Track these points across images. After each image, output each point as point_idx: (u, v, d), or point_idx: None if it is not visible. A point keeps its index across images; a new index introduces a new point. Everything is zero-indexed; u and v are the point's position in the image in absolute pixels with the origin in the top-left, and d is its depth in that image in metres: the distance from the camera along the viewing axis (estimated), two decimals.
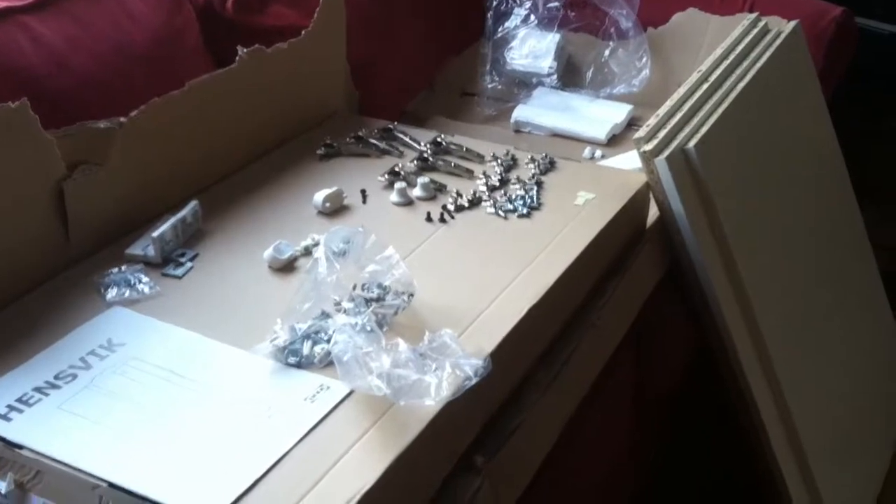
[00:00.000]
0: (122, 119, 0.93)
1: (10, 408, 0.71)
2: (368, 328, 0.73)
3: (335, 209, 1.00)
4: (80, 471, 0.65)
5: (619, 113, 1.32)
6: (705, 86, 1.13)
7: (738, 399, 1.10)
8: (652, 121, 1.06)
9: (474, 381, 0.70)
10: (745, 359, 1.07)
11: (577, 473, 1.00)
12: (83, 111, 0.92)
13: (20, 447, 0.67)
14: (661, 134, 1.04)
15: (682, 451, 1.30)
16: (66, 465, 0.65)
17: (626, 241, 1.03)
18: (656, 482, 1.26)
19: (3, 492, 0.66)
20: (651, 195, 1.05)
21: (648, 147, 1.01)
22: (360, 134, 1.14)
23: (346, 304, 0.78)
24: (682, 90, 1.12)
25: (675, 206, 1.03)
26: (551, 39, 1.41)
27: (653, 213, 1.07)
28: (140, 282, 0.86)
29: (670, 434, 1.26)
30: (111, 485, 0.64)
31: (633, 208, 1.02)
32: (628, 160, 1.19)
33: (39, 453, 0.67)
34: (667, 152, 1.01)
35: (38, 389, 0.73)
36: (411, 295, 0.81)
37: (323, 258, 0.78)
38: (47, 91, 0.99)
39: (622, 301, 0.99)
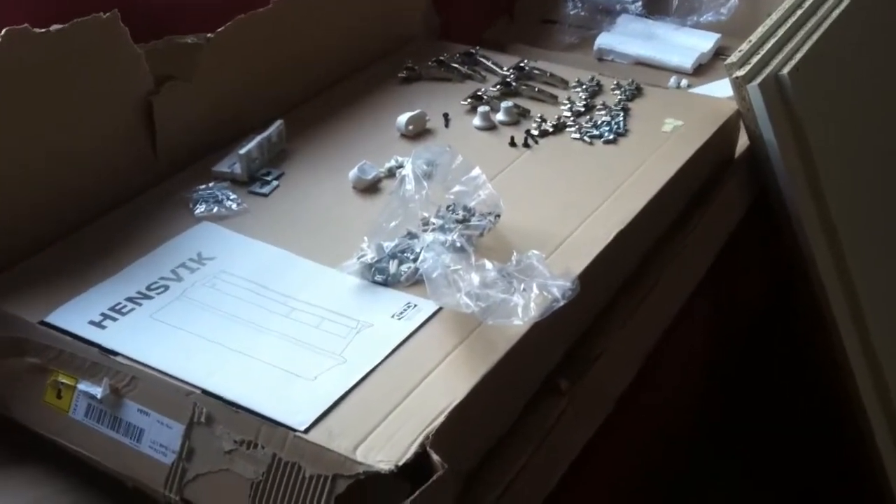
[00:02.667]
0: (209, 35, 0.93)
1: (105, 316, 0.72)
2: (458, 245, 0.73)
3: (418, 132, 0.99)
4: (174, 378, 0.66)
5: (705, 42, 1.28)
6: (799, 12, 1.09)
7: (818, 334, 1.08)
8: (744, 46, 1.03)
9: (561, 302, 0.70)
10: (831, 292, 1.05)
11: (653, 406, 1.00)
12: (171, 26, 0.92)
13: (115, 353, 0.68)
14: (754, 60, 1.01)
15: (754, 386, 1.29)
16: (160, 371, 0.67)
17: (713, 170, 1.00)
18: (729, 416, 1.25)
19: (98, 396, 0.67)
20: (741, 123, 1.02)
21: (741, 73, 0.98)
22: (441, 58, 1.13)
23: (435, 222, 0.77)
24: (775, 16, 1.08)
25: (766, 134, 1.00)
26: None
27: (742, 142, 1.04)
28: (227, 198, 0.87)
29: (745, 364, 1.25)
30: (205, 392, 0.65)
31: (723, 136, 1.00)
32: (716, 89, 1.16)
33: (134, 360, 0.68)
34: (760, 78, 0.98)
35: (130, 299, 0.74)
36: (498, 216, 0.81)
37: (411, 176, 0.77)
38: (137, 4, 0.99)
39: (708, 231, 0.97)
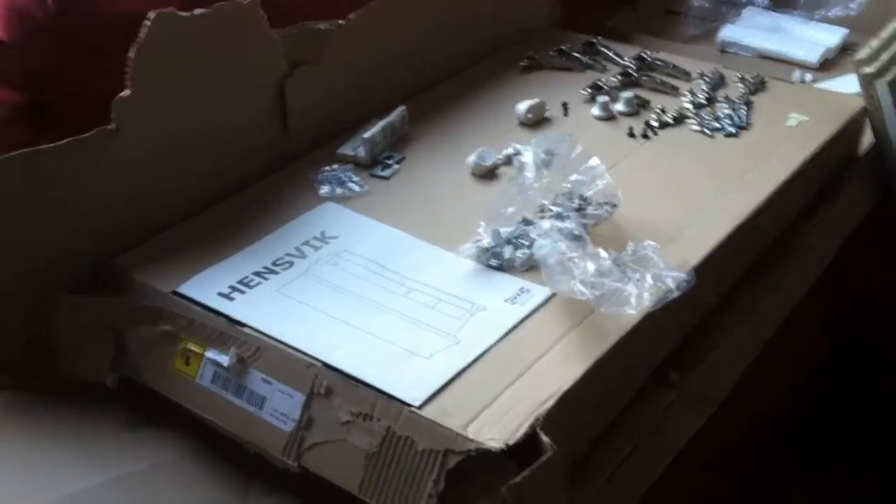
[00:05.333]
0: (341, 21, 0.96)
1: (233, 289, 0.76)
2: (575, 233, 0.74)
3: (537, 120, 1.00)
4: (297, 350, 0.69)
5: (833, 36, 1.26)
6: None
7: None
8: (874, 42, 1.00)
9: (676, 294, 0.70)
10: None
11: (761, 400, 0.99)
12: (305, 14, 0.95)
13: (242, 325, 0.72)
14: (884, 57, 0.98)
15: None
16: (284, 343, 0.70)
17: (837, 167, 0.99)
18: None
19: (225, 365, 0.71)
20: (867, 120, 1.00)
21: (870, 69, 0.96)
22: (563, 48, 1.14)
23: (552, 210, 0.79)
24: None
25: (892, 132, 0.98)
26: None
27: (867, 140, 1.02)
28: (351, 180, 0.90)
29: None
30: (326, 365, 0.68)
31: (848, 133, 0.98)
32: (842, 85, 1.13)
33: (260, 331, 0.71)
34: (889, 75, 0.96)
35: (257, 273, 0.77)
36: (614, 206, 0.81)
37: (531, 163, 0.79)
38: None
39: (830, 227, 0.95)
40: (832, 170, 0.98)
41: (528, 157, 0.79)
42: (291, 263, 0.79)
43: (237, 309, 0.73)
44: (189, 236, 0.83)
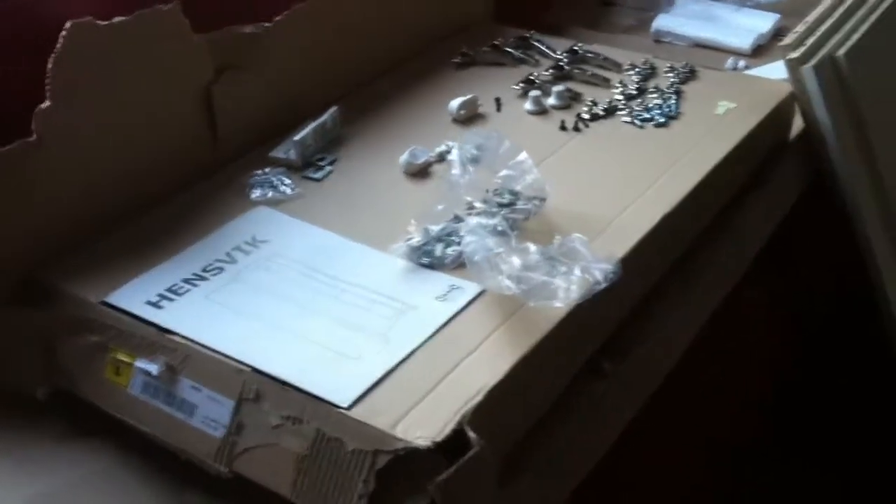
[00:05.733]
0: (267, 24, 0.96)
1: (162, 297, 0.75)
2: (499, 229, 0.74)
3: (470, 116, 1.00)
4: (226, 356, 0.69)
5: (764, 22, 1.27)
6: None
7: (874, 323, 1.07)
8: (800, 27, 1.02)
9: (603, 285, 0.70)
10: (887, 277, 1.04)
11: (706, 384, 1.00)
12: (224, 16, 0.94)
13: (171, 332, 0.71)
14: (810, 41, 1.00)
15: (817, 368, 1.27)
16: (213, 350, 0.69)
17: (767, 153, 1.00)
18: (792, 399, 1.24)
19: (154, 373, 0.70)
20: (796, 106, 1.02)
21: (795, 54, 0.98)
22: (496, 43, 1.14)
23: (480, 206, 0.79)
24: None
25: (821, 117, 0.99)
26: None
27: (796, 125, 1.04)
28: (282, 183, 0.89)
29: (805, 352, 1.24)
30: (255, 370, 0.67)
31: (777, 119, 0.99)
32: (774, 71, 1.14)
33: (188, 339, 0.71)
34: (815, 60, 0.97)
35: (186, 281, 0.77)
36: (543, 200, 0.82)
37: (457, 161, 0.79)
38: None
39: (761, 214, 0.97)
40: (763, 156, 0.99)
41: (454, 154, 0.79)
42: (221, 269, 0.78)
43: (166, 317, 0.73)
44: (118, 246, 0.82)
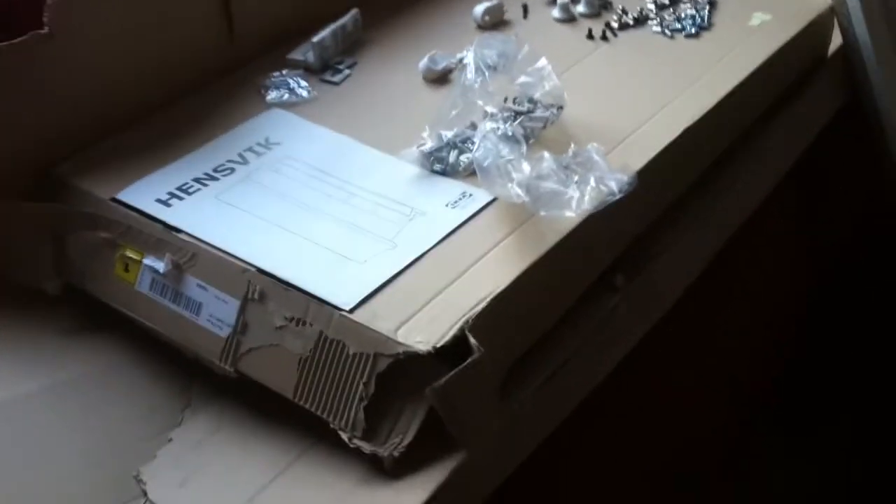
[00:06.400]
0: None
1: (171, 195, 0.75)
2: (512, 136, 0.72)
3: (495, 23, 0.98)
4: (232, 256, 0.68)
5: None
6: None
7: None
8: None
9: (618, 196, 0.69)
10: None
11: (720, 313, 0.98)
12: None
13: (178, 231, 0.71)
14: None
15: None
16: (219, 249, 0.69)
17: (803, 69, 0.96)
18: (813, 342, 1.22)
19: (161, 271, 0.70)
20: (835, 21, 0.98)
21: None
22: None
23: (495, 113, 0.77)
24: None
25: (860, 34, 0.95)
26: None
27: (835, 42, 1.00)
28: (299, 86, 0.88)
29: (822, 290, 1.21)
30: (259, 270, 0.67)
31: (813, 33, 0.95)
32: None
33: (195, 237, 0.70)
34: None
35: (197, 180, 0.76)
36: (560, 108, 0.79)
37: (472, 64, 0.77)
38: None
39: (790, 132, 0.93)
40: (797, 72, 0.96)
41: (469, 58, 0.77)
42: (233, 170, 0.78)
43: (174, 215, 0.72)
44: (131, 143, 0.81)
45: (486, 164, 0.69)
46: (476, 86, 0.77)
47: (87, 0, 0.79)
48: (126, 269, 0.73)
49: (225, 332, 0.68)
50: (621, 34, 0.95)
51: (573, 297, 0.73)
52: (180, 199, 0.74)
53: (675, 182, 0.82)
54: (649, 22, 0.96)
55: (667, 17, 0.96)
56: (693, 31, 0.93)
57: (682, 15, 0.96)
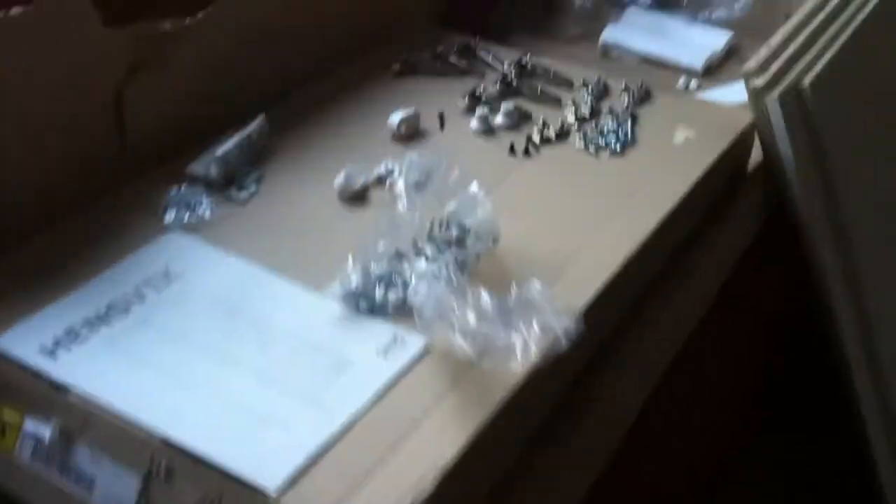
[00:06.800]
0: (187, 20, 0.85)
1: (57, 343, 0.65)
2: (452, 278, 0.66)
3: (410, 134, 0.92)
4: (132, 421, 0.59)
5: (717, 40, 1.21)
6: (821, 15, 1.02)
7: (828, 352, 1.02)
8: (763, 52, 0.95)
9: (565, 344, 0.63)
10: (841, 311, 0.98)
11: (676, 417, 0.93)
12: (138, 9, 0.84)
13: (67, 389, 0.61)
14: (773, 68, 0.94)
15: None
16: (116, 413, 0.60)
17: (725, 186, 0.94)
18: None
19: (45, 439, 0.60)
20: (755, 135, 0.96)
21: (759, 82, 0.91)
22: (438, 50, 1.06)
23: (425, 246, 0.70)
24: (795, 19, 1.01)
25: (783, 148, 0.93)
26: None
27: (755, 154, 0.98)
28: (200, 205, 0.80)
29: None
30: (164, 440, 0.58)
31: (737, 149, 0.93)
32: (728, 94, 1.09)
33: (88, 398, 0.61)
34: (779, 90, 0.91)
35: (87, 323, 0.67)
36: (495, 240, 0.74)
37: (403, 193, 0.70)
38: None
39: (721, 250, 0.91)
40: (720, 188, 0.93)
41: (399, 185, 0.71)
42: (128, 310, 0.68)
43: (62, 369, 0.63)
44: (7, 273, 0.71)
45: (427, 311, 0.63)
46: (406, 215, 0.71)
47: None
48: (2, 434, 0.63)
49: None
50: (543, 149, 0.90)
51: (518, 451, 0.66)
52: (68, 348, 0.65)
53: (615, 313, 0.77)
54: (571, 136, 0.92)
55: (589, 131, 0.92)
56: (617, 148, 0.89)
57: (605, 130, 0.92)
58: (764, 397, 1.23)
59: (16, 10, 0.72)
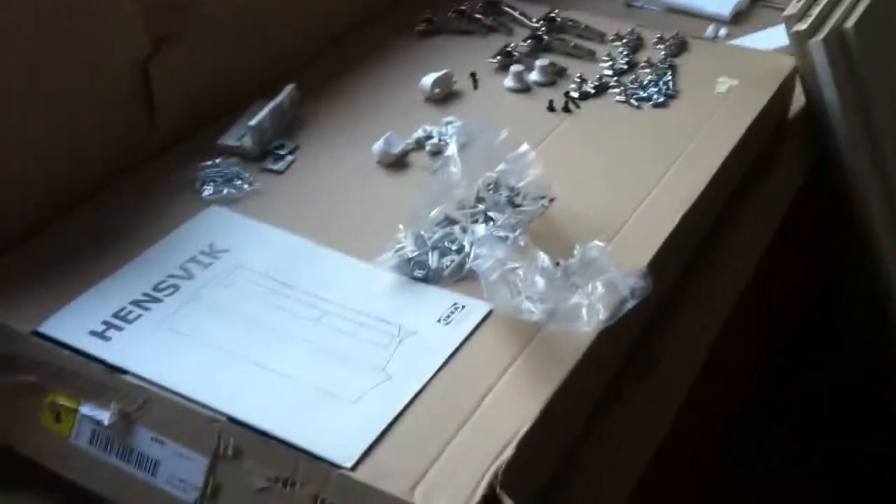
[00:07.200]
0: None
1: (108, 325, 0.62)
2: (514, 241, 0.64)
3: (444, 95, 0.89)
4: (194, 401, 0.57)
5: None
6: None
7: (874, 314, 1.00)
8: None
9: (632, 302, 0.61)
10: (890, 265, 0.97)
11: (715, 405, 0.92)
12: None
13: (123, 371, 0.59)
14: (814, 12, 0.91)
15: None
16: (177, 393, 0.57)
17: (770, 134, 0.91)
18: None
19: (105, 422, 0.58)
20: (797, 80, 0.93)
21: (802, 26, 0.89)
22: (462, 8, 1.02)
23: (478, 210, 0.68)
24: None
25: (827, 94, 0.91)
26: None
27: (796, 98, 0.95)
28: (238, 177, 0.77)
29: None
30: (231, 419, 0.56)
31: (782, 96, 0.90)
32: (761, 40, 1.06)
33: (146, 379, 0.58)
34: (823, 33, 0.88)
35: (136, 303, 0.64)
36: (551, 200, 0.71)
37: (455, 156, 0.68)
38: None
39: (769, 200, 0.88)
40: (767, 135, 0.90)
41: (451, 149, 0.68)
42: (177, 287, 0.66)
43: (115, 351, 0.60)
44: (47, 256, 0.69)
45: (493, 277, 0.60)
46: (455, 179, 0.68)
47: None
48: (57, 419, 0.60)
49: (191, 497, 0.57)
50: (583, 104, 0.88)
51: (587, 413, 0.64)
52: (119, 329, 0.62)
53: (674, 269, 0.75)
54: (610, 90, 0.89)
55: (629, 84, 0.89)
56: (660, 99, 0.87)
57: (645, 81, 0.89)
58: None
59: None
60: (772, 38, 1.03)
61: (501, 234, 0.65)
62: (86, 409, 0.59)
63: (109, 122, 0.77)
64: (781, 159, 0.91)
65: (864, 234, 0.95)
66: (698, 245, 0.80)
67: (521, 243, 0.64)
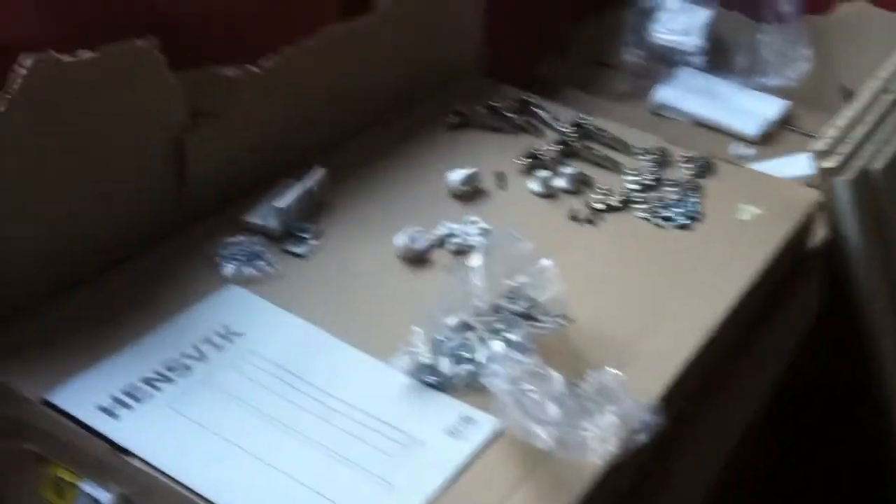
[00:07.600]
0: (254, 68, 0.83)
1: (117, 401, 0.62)
2: (526, 361, 0.63)
3: (471, 193, 0.90)
4: (198, 495, 0.56)
5: (772, 107, 1.19)
6: (888, 97, 1.01)
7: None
8: (831, 132, 0.94)
9: (644, 437, 0.61)
10: None
11: None
12: (202, 49, 0.82)
13: (128, 453, 0.59)
14: (842, 150, 0.92)
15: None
16: (181, 484, 0.57)
17: (789, 266, 0.92)
18: None
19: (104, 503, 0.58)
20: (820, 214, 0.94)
21: (830, 164, 0.90)
22: (494, 104, 1.04)
23: (495, 322, 0.68)
24: (862, 99, 1.00)
25: (849, 231, 0.91)
26: (702, 15, 1.28)
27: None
28: (260, 257, 0.77)
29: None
30: None
31: (803, 229, 0.91)
32: (786, 166, 1.07)
33: (150, 465, 0.58)
34: (850, 173, 0.89)
35: (147, 381, 0.64)
36: (568, 319, 0.71)
37: (477, 269, 0.68)
38: (169, 26, 0.89)
39: (786, 332, 0.89)
40: (786, 266, 0.91)
41: (474, 261, 0.69)
42: (189, 368, 0.66)
43: (122, 431, 0.60)
44: (64, 323, 0.69)
45: (506, 396, 0.60)
46: (473, 286, 0.68)
47: (25, 150, 0.67)
48: (59, 494, 0.60)
49: None
50: (607, 217, 0.88)
51: None
52: (129, 407, 0.62)
53: (687, 395, 0.75)
54: (634, 205, 0.90)
55: (654, 202, 0.90)
56: (685, 221, 0.87)
57: (670, 201, 0.90)
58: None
59: (85, 54, 0.70)
60: (796, 164, 1.04)
61: (516, 349, 0.65)
62: (87, 487, 0.59)
63: (140, 193, 0.78)
64: (798, 291, 0.92)
65: (875, 373, 0.95)
66: (713, 368, 0.80)
67: (536, 362, 0.64)
